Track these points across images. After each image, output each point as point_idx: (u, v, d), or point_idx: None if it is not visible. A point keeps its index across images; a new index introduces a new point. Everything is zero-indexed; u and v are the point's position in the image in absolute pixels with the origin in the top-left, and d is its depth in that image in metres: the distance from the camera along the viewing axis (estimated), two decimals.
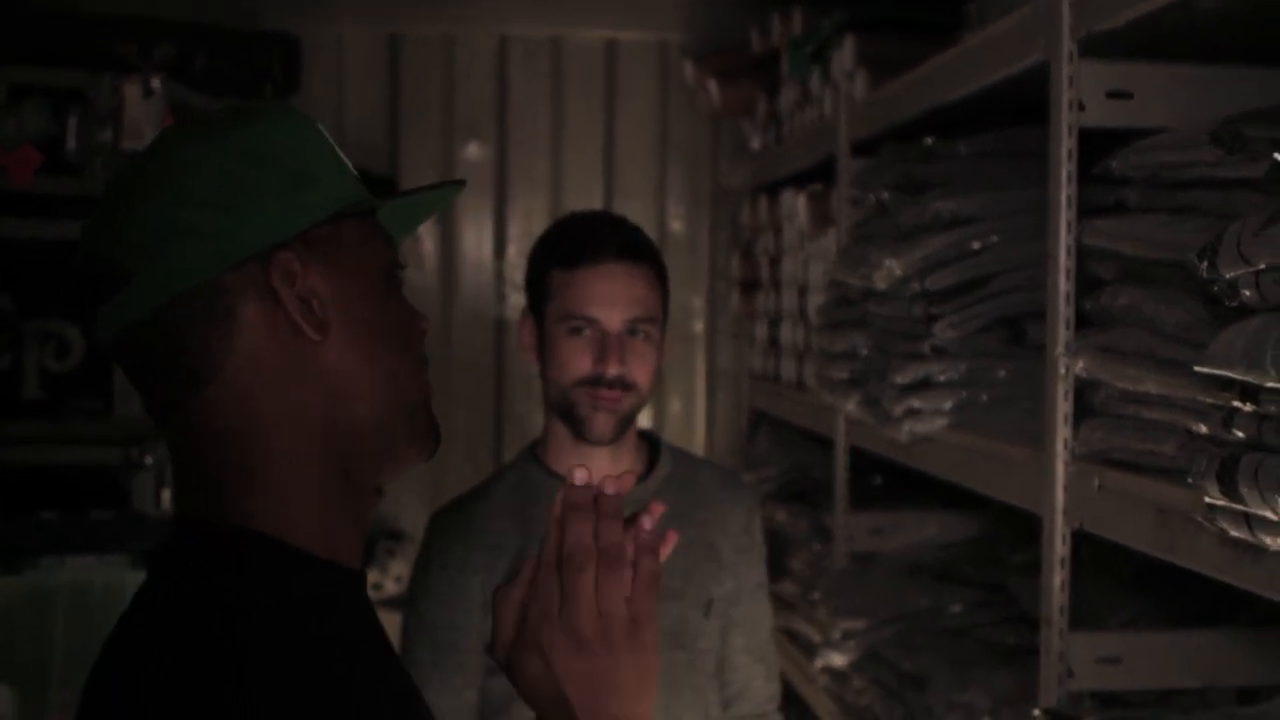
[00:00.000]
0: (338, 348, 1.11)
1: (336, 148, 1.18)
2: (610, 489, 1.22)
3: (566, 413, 2.04)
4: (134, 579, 2.30)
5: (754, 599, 2.18)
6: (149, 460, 2.93)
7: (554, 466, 2.08)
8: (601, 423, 2.02)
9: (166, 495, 2.96)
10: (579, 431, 2.04)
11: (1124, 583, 2.15)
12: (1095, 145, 1.73)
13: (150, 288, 1.08)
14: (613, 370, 2.00)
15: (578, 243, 2.04)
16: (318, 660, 1.03)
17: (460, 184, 1.26)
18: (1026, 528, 2.35)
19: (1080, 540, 1.78)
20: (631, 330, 2.02)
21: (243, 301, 1.09)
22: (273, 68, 3.41)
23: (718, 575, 2.12)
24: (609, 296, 2.02)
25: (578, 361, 2.01)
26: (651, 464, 2.15)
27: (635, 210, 4.39)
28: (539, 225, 4.40)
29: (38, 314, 3.09)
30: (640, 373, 2.03)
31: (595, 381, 2.01)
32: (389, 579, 4.01)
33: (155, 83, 3.02)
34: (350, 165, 1.19)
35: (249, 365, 1.09)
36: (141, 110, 3.01)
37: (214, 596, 1.05)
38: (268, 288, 1.09)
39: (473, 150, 4.33)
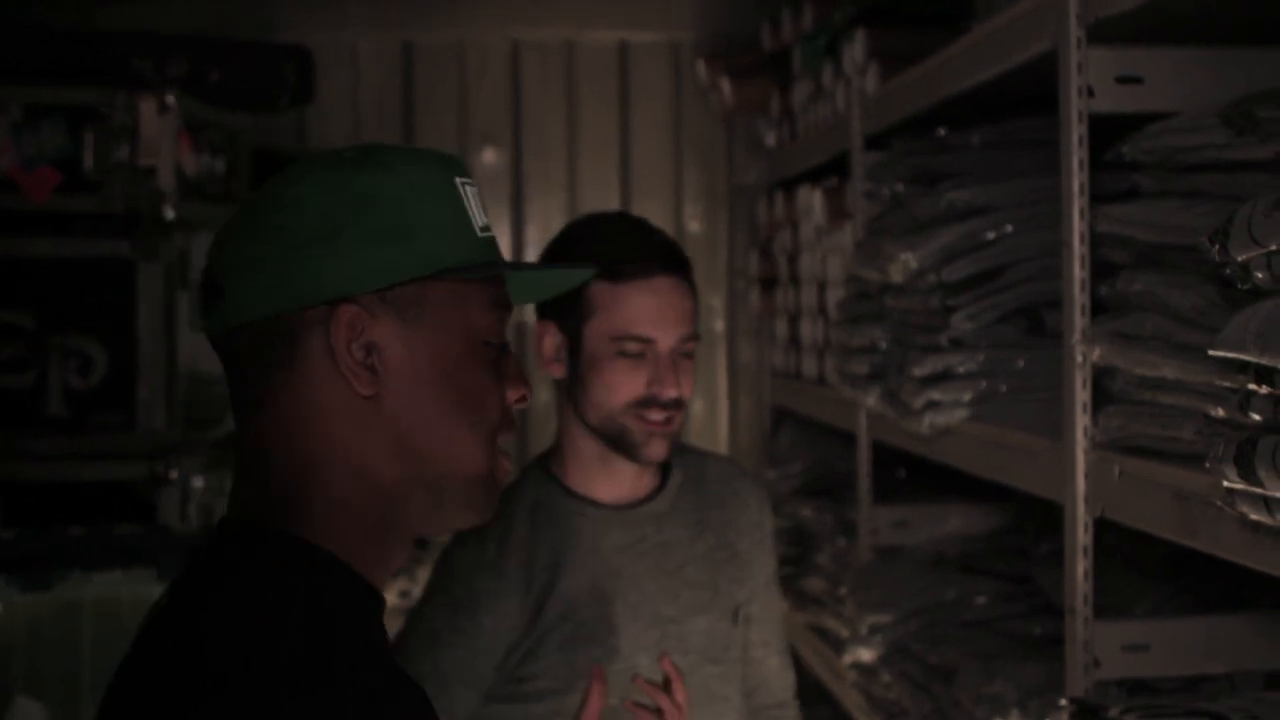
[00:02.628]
0: (396, 407, 1.12)
1: (470, 205, 1.17)
2: None
3: (615, 436, 1.94)
4: (160, 593, 2.32)
5: (768, 591, 2.16)
6: (174, 475, 2.95)
7: (573, 485, 2.00)
8: (656, 446, 1.94)
9: (192, 509, 2.98)
10: (630, 454, 1.94)
11: (1150, 571, 2.14)
12: (1108, 131, 1.72)
13: (231, 309, 1.14)
14: (671, 393, 1.91)
15: (623, 255, 1.91)
16: (350, 661, 1.04)
17: (591, 271, 1.30)
18: (1050, 517, 2.34)
19: (1103, 528, 1.78)
20: (682, 349, 1.94)
21: (305, 343, 1.11)
22: (287, 78, 3.43)
23: (739, 578, 2.09)
24: (663, 314, 1.91)
25: (630, 384, 1.91)
26: (664, 469, 2.07)
27: (652, 210, 4.40)
28: (556, 229, 4.41)
29: (60, 331, 3.11)
30: (689, 389, 1.95)
31: (648, 403, 1.91)
32: (418, 586, 4.02)
33: (170, 99, 3.04)
34: (477, 224, 1.17)
35: (302, 403, 1.12)
36: (157, 126, 3.03)
37: (247, 587, 1.07)
38: (329, 336, 1.11)
39: (488, 155, 4.34)
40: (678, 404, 1.93)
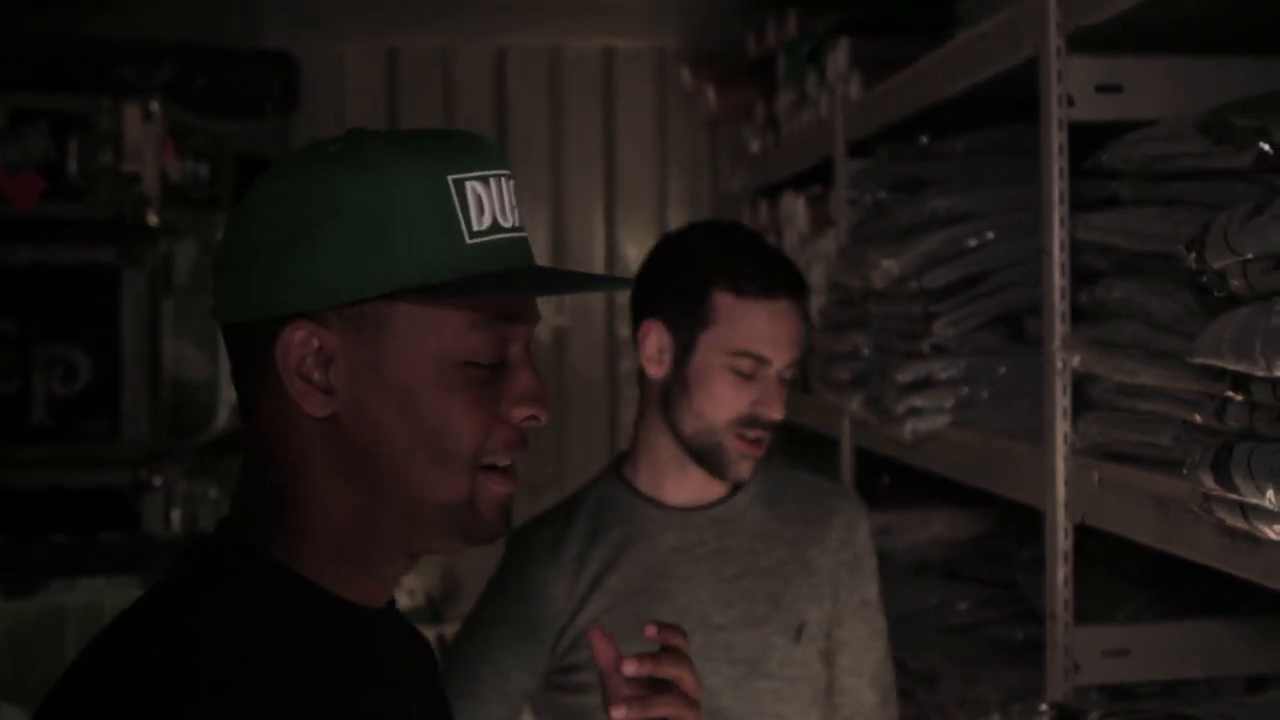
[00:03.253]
0: (353, 430, 1.06)
1: (468, 206, 1.06)
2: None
3: (708, 450, 1.89)
4: None
5: (859, 617, 2.00)
6: (157, 482, 2.95)
7: (641, 486, 1.95)
8: (745, 466, 1.90)
9: (175, 516, 2.98)
10: (717, 471, 1.90)
11: (1132, 576, 2.16)
12: (1088, 139, 1.73)
13: (219, 307, 1.10)
14: (775, 415, 1.88)
15: (754, 271, 1.87)
16: (264, 672, 1.02)
17: (617, 281, 1.18)
18: (1032, 523, 2.35)
19: (1085, 534, 1.79)
20: (789, 373, 1.91)
21: (266, 354, 1.06)
22: (272, 85, 3.44)
23: (811, 596, 1.96)
24: (782, 337, 1.88)
25: (738, 400, 1.86)
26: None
27: (637, 217, 4.42)
28: (540, 236, 4.43)
29: (44, 338, 3.11)
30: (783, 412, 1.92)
31: (750, 422, 1.87)
32: (401, 593, 4.02)
33: (155, 105, 3.04)
34: (470, 229, 1.06)
35: (273, 416, 1.08)
36: (142, 133, 3.03)
37: (176, 598, 1.06)
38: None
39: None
40: (774, 425, 1.91)
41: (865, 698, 2.00)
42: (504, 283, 1.07)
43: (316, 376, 1.05)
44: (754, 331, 1.86)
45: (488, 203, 1.07)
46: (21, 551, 2.63)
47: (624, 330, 4.40)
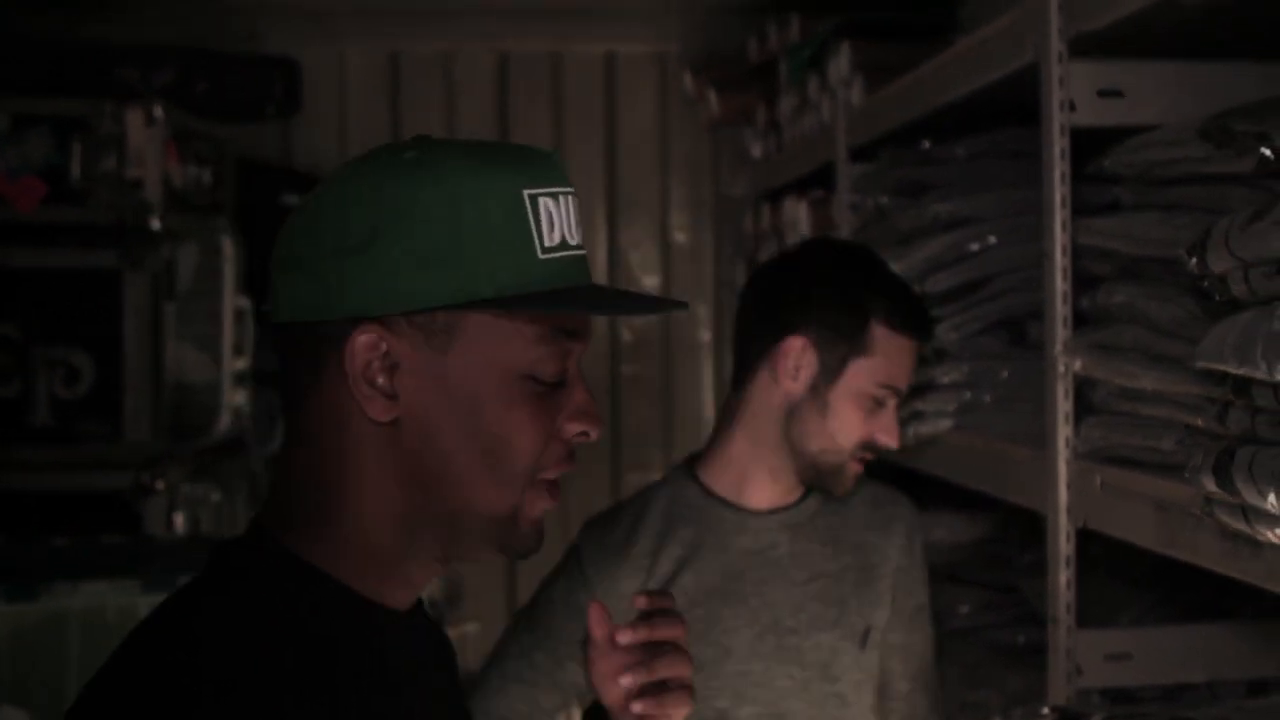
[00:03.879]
0: (414, 437, 1.07)
1: (540, 222, 1.07)
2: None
3: (828, 467, 1.95)
4: (146, 603, 2.32)
5: (914, 624, 2.05)
6: (160, 485, 2.95)
7: (720, 490, 1.98)
8: (851, 482, 1.98)
9: (178, 519, 2.98)
10: (829, 485, 1.96)
11: (1135, 580, 2.16)
12: (1091, 144, 1.74)
13: (274, 305, 1.10)
14: (895, 443, 1.97)
15: (910, 310, 1.95)
16: (292, 670, 1.03)
17: (678, 305, 1.17)
18: (1035, 527, 2.36)
19: (1088, 538, 1.79)
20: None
21: (328, 356, 1.06)
22: (274, 89, 3.44)
23: (875, 601, 2.00)
24: (912, 373, 1.99)
25: (869, 426, 1.94)
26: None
27: (639, 221, 4.42)
28: None
29: (46, 341, 3.11)
30: None
31: (869, 446, 1.96)
32: None
33: (158, 110, 3.05)
34: (542, 244, 1.06)
35: (324, 416, 1.08)
36: (144, 137, 3.03)
37: (209, 597, 1.07)
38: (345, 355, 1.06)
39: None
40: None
41: (916, 702, 2.04)
42: (581, 298, 1.09)
43: (381, 381, 1.06)
44: (900, 367, 1.94)
45: (558, 219, 1.08)
46: (23, 554, 2.63)
47: (626, 335, 4.40)
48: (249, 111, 3.40)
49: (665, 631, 1.38)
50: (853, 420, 1.93)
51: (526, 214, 1.06)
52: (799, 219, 3.28)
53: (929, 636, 2.08)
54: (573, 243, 1.10)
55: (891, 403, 1.95)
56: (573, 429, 1.11)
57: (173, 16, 3.85)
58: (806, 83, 3.26)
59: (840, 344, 1.92)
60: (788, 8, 3.54)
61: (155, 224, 3.06)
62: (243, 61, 3.47)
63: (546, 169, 1.10)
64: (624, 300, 1.24)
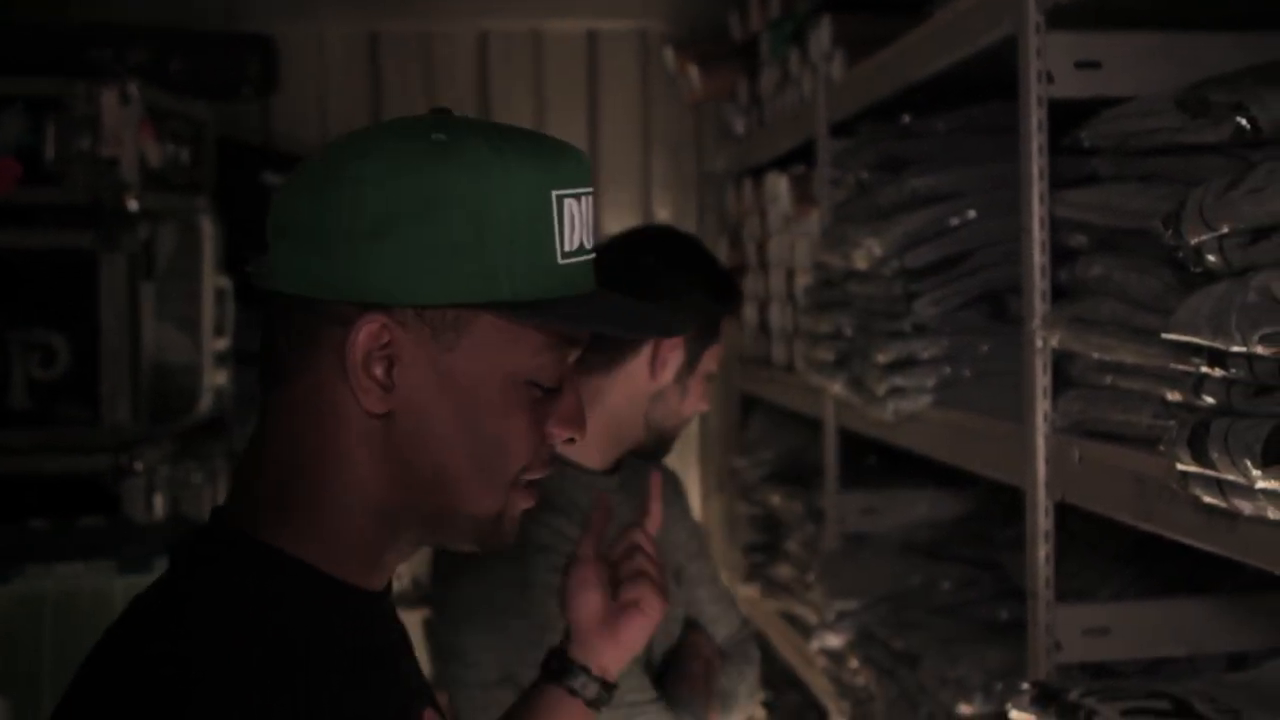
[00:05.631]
0: (406, 432, 1.04)
1: (563, 225, 1.03)
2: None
3: (670, 438, 2.16)
4: (122, 585, 2.31)
5: (702, 554, 2.35)
6: (138, 467, 2.94)
7: (568, 453, 2.05)
8: None
9: (157, 501, 2.97)
10: (661, 453, 2.17)
11: (1115, 555, 2.15)
12: (1072, 116, 1.72)
13: (270, 271, 1.05)
14: (705, 408, 2.23)
15: (738, 298, 2.28)
16: (281, 662, 1.01)
17: (684, 328, 1.17)
18: (1016, 502, 2.35)
19: (1067, 513, 1.78)
20: None
21: (327, 336, 1.03)
22: (249, 68, 3.42)
23: (677, 541, 2.25)
24: None
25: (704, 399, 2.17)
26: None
27: (622, 199, 4.41)
28: None
29: (22, 323, 3.09)
30: None
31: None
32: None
33: (132, 89, 3.02)
34: (563, 249, 1.04)
35: (314, 396, 1.05)
36: (119, 116, 3.01)
37: (192, 593, 1.05)
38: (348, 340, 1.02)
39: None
40: None
41: (732, 617, 2.33)
42: (595, 314, 1.07)
43: (379, 373, 1.03)
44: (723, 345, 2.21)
45: (579, 223, 1.06)
46: None
47: None
48: (224, 90, 3.37)
49: (629, 541, 1.55)
50: (700, 395, 2.15)
51: (552, 216, 1.03)
52: (780, 195, 3.27)
53: (713, 562, 2.42)
54: (588, 246, 1.07)
55: None
56: (561, 433, 1.10)
57: None
58: (788, 58, 3.25)
59: (702, 339, 2.13)
60: None
61: (132, 204, 3.04)
62: (218, 41, 3.44)
63: (575, 168, 1.06)
64: (634, 319, 1.19)
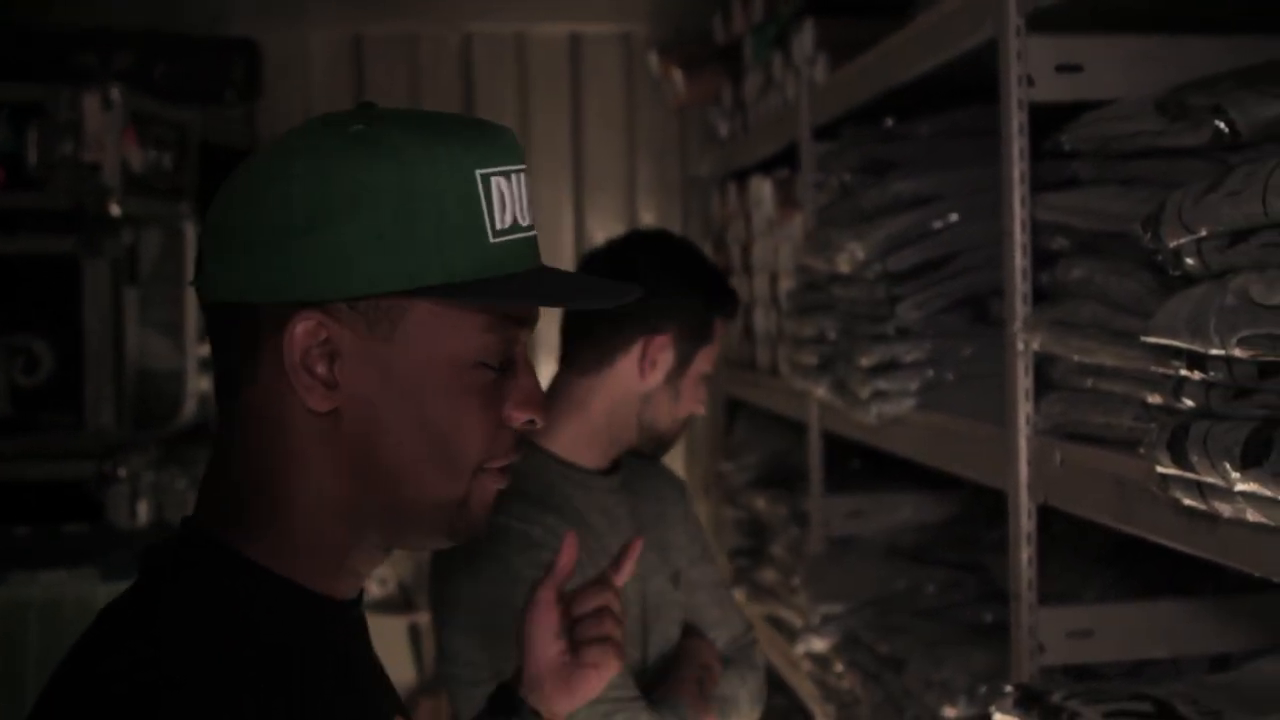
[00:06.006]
0: (356, 426, 1.03)
1: (492, 204, 1.02)
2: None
3: (670, 438, 2.17)
4: (106, 592, 2.30)
5: (705, 558, 2.29)
6: (122, 473, 2.93)
7: (564, 454, 2.08)
8: None
9: (141, 507, 2.96)
10: (660, 451, 2.19)
11: (1099, 557, 2.16)
12: (1054, 120, 1.72)
13: (206, 282, 1.05)
14: (703, 410, 2.21)
15: (732, 297, 2.20)
16: (250, 672, 1.01)
17: (633, 294, 1.12)
18: (1000, 506, 2.36)
19: (1051, 516, 1.78)
20: None
21: (267, 341, 1.02)
22: (234, 73, 3.41)
23: (679, 545, 2.22)
24: None
25: (698, 398, 2.17)
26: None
27: (606, 202, 4.41)
28: None
29: (4, 329, 3.08)
30: None
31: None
32: (373, 582, 4.01)
33: (115, 94, 3.01)
34: (494, 227, 1.02)
35: (262, 403, 1.04)
36: (102, 122, 3.00)
37: (160, 603, 1.04)
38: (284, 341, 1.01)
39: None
40: None
41: (734, 622, 2.26)
42: (532, 288, 1.05)
43: (320, 370, 1.02)
44: (720, 345, 2.19)
45: (510, 200, 1.04)
46: None
47: None
48: (208, 95, 3.36)
49: (598, 599, 1.49)
50: (694, 397, 2.16)
51: (479, 195, 1.02)
52: (764, 198, 3.27)
53: (717, 566, 2.35)
54: (524, 224, 1.05)
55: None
56: (521, 417, 1.08)
57: (133, 1, 3.81)
58: (771, 61, 3.25)
59: (693, 340, 2.12)
60: None
61: (115, 209, 3.03)
62: (203, 45, 3.43)
63: (500, 146, 1.05)
64: (576, 290, 1.19)
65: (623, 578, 1.58)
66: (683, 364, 2.12)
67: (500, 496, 1.99)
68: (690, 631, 2.20)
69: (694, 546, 2.27)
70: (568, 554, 1.51)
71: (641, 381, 2.10)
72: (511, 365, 1.08)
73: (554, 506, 2.02)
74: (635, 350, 2.09)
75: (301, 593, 1.06)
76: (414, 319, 1.02)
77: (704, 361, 2.14)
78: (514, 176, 1.05)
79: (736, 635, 2.25)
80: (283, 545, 1.05)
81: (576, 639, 1.48)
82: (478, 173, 1.02)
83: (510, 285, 1.03)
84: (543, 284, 1.07)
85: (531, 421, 1.08)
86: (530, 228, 1.07)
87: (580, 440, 2.10)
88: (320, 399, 1.02)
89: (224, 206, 1.04)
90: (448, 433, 1.04)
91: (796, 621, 2.91)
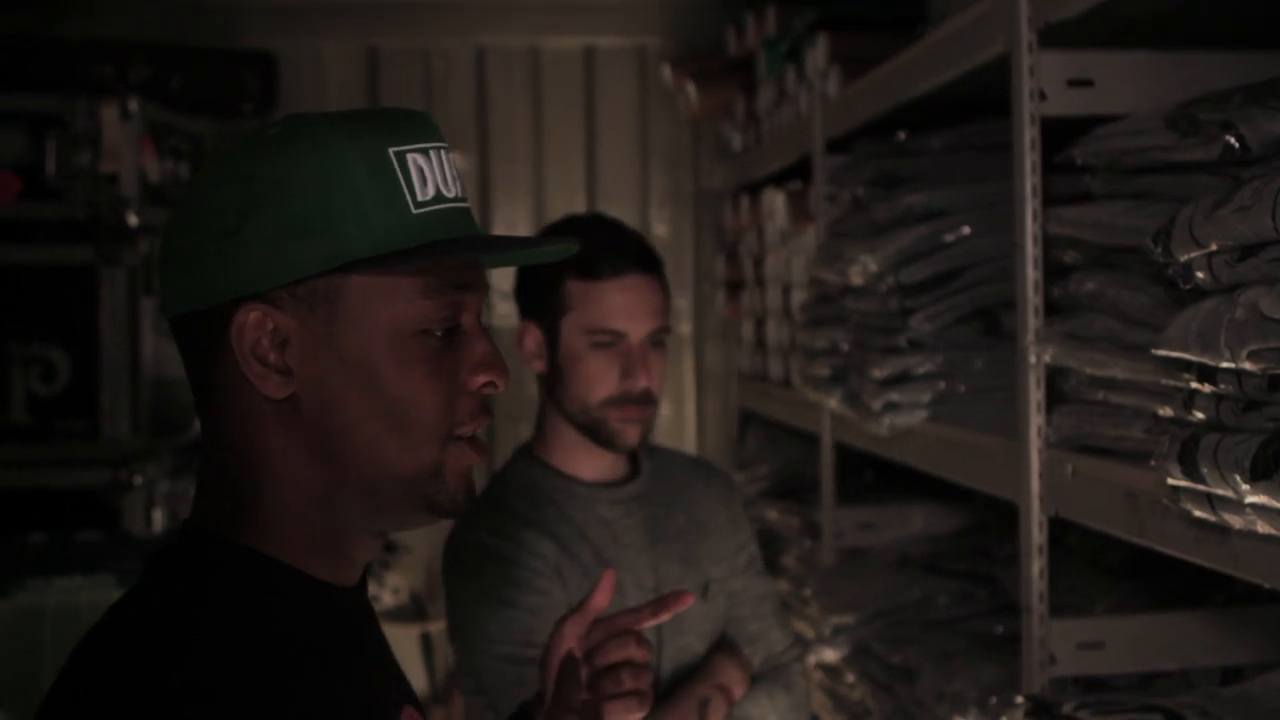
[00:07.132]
0: (315, 409, 1.07)
1: (411, 177, 1.07)
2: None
3: (592, 427, 2.03)
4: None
5: (750, 571, 2.19)
6: (138, 481, 2.94)
7: (561, 467, 2.07)
8: (631, 434, 2.04)
9: (157, 515, 2.97)
10: (607, 444, 2.04)
11: (1111, 569, 2.16)
12: (1067, 134, 1.73)
13: (165, 302, 1.11)
14: (641, 384, 2.01)
15: (597, 254, 2.00)
16: (263, 659, 1.03)
17: (566, 248, 1.15)
18: (1012, 517, 2.36)
19: (1064, 528, 1.79)
20: (653, 341, 2.04)
21: (220, 341, 1.07)
22: (250, 85, 3.43)
23: (712, 556, 2.14)
24: (635, 309, 2.01)
25: (606, 377, 2.00)
26: (634, 457, 2.16)
27: (618, 214, 4.38)
28: (522, 233, 4.43)
29: (22, 337, 3.10)
30: (659, 382, 2.05)
31: (622, 400, 2.01)
32: (386, 591, 4.01)
33: (133, 105, 3.04)
34: (415, 199, 1.06)
35: (230, 404, 1.08)
36: (120, 133, 3.02)
37: (169, 594, 1.07)
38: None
39: (455, 161, 4.35)
40: (648, 396, 2.03)
41: (773, 640, 2.17)
42: (452, 246, 1.08)
43: (273, 358, 1.06)
44: (606, 309, 2.00)
45: (430, 174, 1.08)
46: None
47: None
48: (224, 107, 3.39)
49: (619, 651, 1.41)
50: (587, 374, 2.01)
51: (394, 171, 1.06)
52: (777, 211, 3.29)
53: (767, 580, 2.23)
54: (449, 195, 1.09)
55: (628, 344, 2.01)
56: (477, 380, 1.10)
57: (148, 13, 3.84)
58: (784, 75, 3.27)
59: (550, 313, 2.03)
60: (765, 0, 3.54)
61: (132, 219, 3.06)
62: (218, 57, 3.46)
63: (413, 126, 1.09)
64: (505, 244, 1.18)
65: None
66: (553, 340, 2.03)
67: (483, 509, 2.02)
68: (725, 646, 2.12)
69: (739, 556, 2.18)
70: (601, 594, 1.44)
71: (540, 370, 2.05)
72: (461, 331, 1.11)
73: (536, 521, 2.01)
74: (526, 344, 2.06)
75: (304, 578, 1.09)
76: (351, 296, 1.06)
77: (572, 332, 2.00)
78: (433, 153, 1.09)
79: (775, 653, 2.16)
80: (275, 535, 1.09)
81: (597, 693, 1.41)
82: (390, 150, 1.06)
83: (434, 248, 1.07)
84: (468, 244, 1.11)
85: (492, 384, 1.11)
86: (459, 199, 1.11)
87: (568, 450, 2.07)
88: (276, 386, 1.06)
89: (168, 230, 1.10)
90: (402, 403, 1.07)
91: (808, 632, 2.91)
